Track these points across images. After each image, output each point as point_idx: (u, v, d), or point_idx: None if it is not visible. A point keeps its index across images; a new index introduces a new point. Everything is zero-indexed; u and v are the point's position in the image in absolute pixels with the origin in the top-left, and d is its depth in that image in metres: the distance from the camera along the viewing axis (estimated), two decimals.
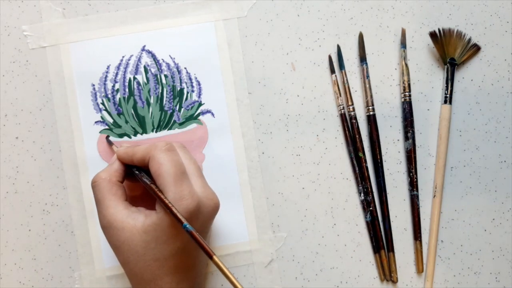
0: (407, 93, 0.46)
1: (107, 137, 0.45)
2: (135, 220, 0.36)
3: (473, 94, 0.47)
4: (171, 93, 0.45)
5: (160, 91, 0.45)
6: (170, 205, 0.34)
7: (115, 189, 0.38)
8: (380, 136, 0.46)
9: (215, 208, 0.38)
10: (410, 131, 0.46)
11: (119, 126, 0.45)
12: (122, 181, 0.39)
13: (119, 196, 0.37)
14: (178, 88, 0.45)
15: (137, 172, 0.38)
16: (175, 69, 0.45)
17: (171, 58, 0.45)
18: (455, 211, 0.46)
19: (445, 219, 0.46)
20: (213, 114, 0.45)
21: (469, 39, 0.47)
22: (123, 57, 0.45)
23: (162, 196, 0.35)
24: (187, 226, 0.33)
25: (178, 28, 0.46)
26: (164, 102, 0.45)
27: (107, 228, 0.37)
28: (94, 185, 0.38)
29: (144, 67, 0.45)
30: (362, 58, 0.46)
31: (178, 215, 0.34)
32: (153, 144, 0.37)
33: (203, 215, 0.37)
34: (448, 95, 0.46)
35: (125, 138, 0.45)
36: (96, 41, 0.45)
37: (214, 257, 0.32)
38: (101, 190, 0.37)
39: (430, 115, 0.47)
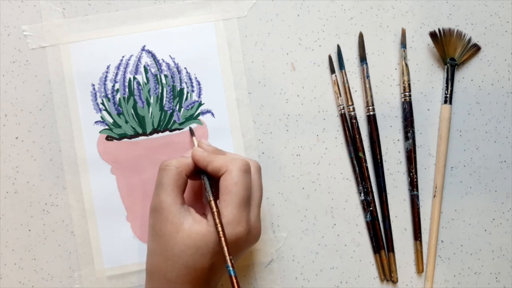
0: (407, 93, 0.46)
1: (190, 128, 0.45)
2: (184, 219, 0.36)
3: (473, 94, 0.47)
4: (171, 93, 0.45)
5: (160, 91, 0.45)
6: (221, 234, 0.35)
7: (181, 181, 0.38)
8: (380, 136, 0.46)
9: (256, 240, 0.39)
10: (410, 131, 0.46)
11: (119, 126, 0.45)
12: (189, 176, 0.39)
13: (181, 189, 0.38)
14: (178, 88, 0.45)
15: (205, 179, 0.38)
16: (175, 69, 0.45)
17: (171, 58, 0.45)
18: (455, 211, 0.46)
19: (445, 219, 0.46)
20: (213, 114, 0.45)
21: (469, 39, 0.47)
22: (123, 57, 0.45)
23: (218, 220, 0.35)
24: (231, 270, 0.34)
25: (178, 28, 0.46)
26: (164, 102, 0.45)
27: (158, 212, 0.37)
28: (164, 168, 0.38)
29: (144, 67, 0.45)
30: (362, 58, 0.46)
31: (225, 249, 0.34)
32: (234, 159, 0.37)
33: (246, 243, 0.37)
34: (448, 95, 0.46)
35: (125, 140, 0.45)
36: (96, 41, 0.45)
37: None
38: (169, 176, 0.37)
39: (430, 115, 0.47)
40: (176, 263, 0.36)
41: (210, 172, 0.38)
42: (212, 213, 0.36)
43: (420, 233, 0.45)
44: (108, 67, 0.45)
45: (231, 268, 0.34)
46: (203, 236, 0.35)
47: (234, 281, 0.34)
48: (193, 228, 0.36)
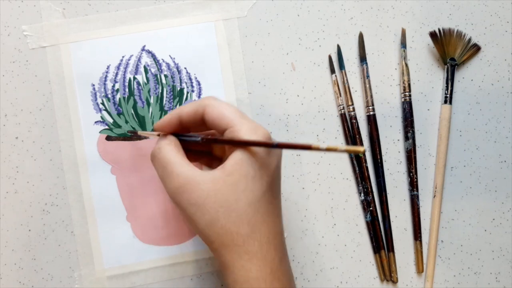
0: (407, 93, 0.46)
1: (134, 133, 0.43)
2: (214, 173, 0.32)
3: (473, 94, 0.47)
4: (171, 93, 0.45)
5: (160, 91, 0.45)
6: (247, 137, 0.33)
7: (182, 152, 0.35)
8: (380, 136, 0.46)
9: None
10: (410, 131, 0.46)
11: (119, 126, 0.45)
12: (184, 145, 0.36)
13: (185, 158, 0.35)
14: (178, 88, 0.45)
15: (193, 137, 0.36)
16: (175, 69, 0.45)
17: (171, 58, 0.45)
18: (455, 211, 0.46)
19: (445, 219, 0.46)
20: None
21: (469, 39, 0.47)
22: (123, 57, 0.45)
23: (238, 134, 0.33)
24: (276, 142, 0.32)
25: (178, 28, 0.46)
26: (164, 102, 0.45)
27: (183, 186, 0.33)
28: (158, 151, 0.35)
29: (144, 67, 0.45)
30: (362, 58, 0.46)
31: (261, 141, 0.32)
32: (202, 98, 0.36)
33: (275, 150, 0.35)
34: (448, 95, 0.46)
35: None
36: (96, 41, 0.45)
37: (313, 145, 0.30)
38: (168, 153, 0.34)
39: (430, 115, 0.47)
40: (240, 210, 0.32)
41: (186, 120, 0.36)
42: (229, 140, 0.33)
43: (420, 233, 0.45)
44: (108, 67, 0.45)
45: (276, 142, 0.32)
46: (243, 161, 0.32)
47: (286, 143, 0.31)
48: (227, 165, 0.33)
